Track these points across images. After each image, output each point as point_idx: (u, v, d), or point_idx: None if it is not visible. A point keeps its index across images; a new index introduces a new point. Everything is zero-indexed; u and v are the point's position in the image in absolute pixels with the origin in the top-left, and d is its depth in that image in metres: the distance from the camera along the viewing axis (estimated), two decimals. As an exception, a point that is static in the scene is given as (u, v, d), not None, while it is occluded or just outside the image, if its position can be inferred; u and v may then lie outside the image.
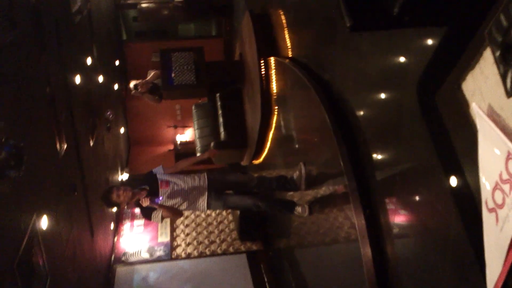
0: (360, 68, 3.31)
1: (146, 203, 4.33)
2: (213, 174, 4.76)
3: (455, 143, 2.08)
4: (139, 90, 6.99)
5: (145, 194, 4.37)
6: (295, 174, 4.60)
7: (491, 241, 1.48)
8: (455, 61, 1.90)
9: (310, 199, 4.45)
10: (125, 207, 4.55)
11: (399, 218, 2.86)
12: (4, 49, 3.45)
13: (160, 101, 7.27)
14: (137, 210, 4.53)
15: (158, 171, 4.64)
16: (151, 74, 7.16)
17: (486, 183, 1.49)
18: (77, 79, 5.69)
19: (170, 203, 4.49)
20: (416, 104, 2.41)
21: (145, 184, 4.53)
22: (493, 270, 1.43)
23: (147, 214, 4.49)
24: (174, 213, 4.53)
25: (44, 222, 3.85)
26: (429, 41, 2.29)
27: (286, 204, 4.80)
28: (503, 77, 1.44)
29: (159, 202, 4.42)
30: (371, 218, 3.12)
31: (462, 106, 1.76)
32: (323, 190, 4.15)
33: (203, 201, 4.53)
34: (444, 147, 2.19)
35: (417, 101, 2.40)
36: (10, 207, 3.36)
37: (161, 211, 4.42)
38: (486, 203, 1.50)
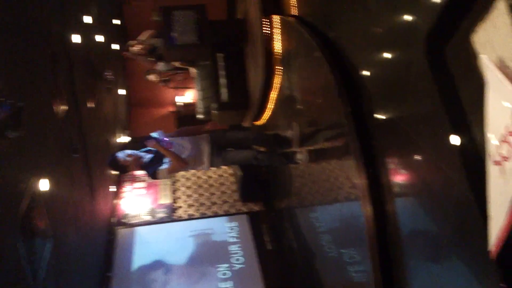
0: (367, 26, 3.22)
1: (151, 144, 4.46)
2: (214, 133, 4.85)
3: (462, 98, 2.03)
4: (131, 51, 6.85)
5: (154, 143, 4.47)
6: (289, 133, 4.81)
7: (496, 194, 1.46)
8: (466, 13, 1.83)
9: (310, 148, 4.50)
10: (132, 170, 4.65)
11: (401, 178, 2.84)
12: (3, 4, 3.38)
13: (155, 63, 7.13)
14: (141, 172, 4.61)
15: (159, 135, 4.65)
16: (145, 34, 7.00)
17: (492, 136, 1.46)
18: (77, 39, 5.58)
19: None
20: (423, 60, 2.35)
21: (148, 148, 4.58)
22: (497, 223, 1.42)
23: (152, 174, 4.55)
24: (179, 161, 4.53)
25: (44, 184, 3.84)
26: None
27: (285, 154, 4.95)
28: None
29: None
30: (373, 177, 3.11)
31: (471, 59, 1.70)
32: (324, 146, 4.15)
33: (206, 159, 4.64)
34: (451, 103, 2.14)
35: (425, 57, 2.33)
36: (10, 168, 3.35)
37: (166, 168, 4.48)
38: (491, 156, 1.47)
